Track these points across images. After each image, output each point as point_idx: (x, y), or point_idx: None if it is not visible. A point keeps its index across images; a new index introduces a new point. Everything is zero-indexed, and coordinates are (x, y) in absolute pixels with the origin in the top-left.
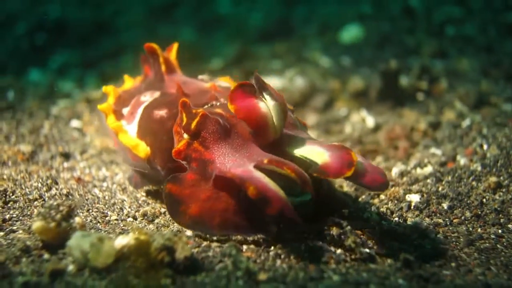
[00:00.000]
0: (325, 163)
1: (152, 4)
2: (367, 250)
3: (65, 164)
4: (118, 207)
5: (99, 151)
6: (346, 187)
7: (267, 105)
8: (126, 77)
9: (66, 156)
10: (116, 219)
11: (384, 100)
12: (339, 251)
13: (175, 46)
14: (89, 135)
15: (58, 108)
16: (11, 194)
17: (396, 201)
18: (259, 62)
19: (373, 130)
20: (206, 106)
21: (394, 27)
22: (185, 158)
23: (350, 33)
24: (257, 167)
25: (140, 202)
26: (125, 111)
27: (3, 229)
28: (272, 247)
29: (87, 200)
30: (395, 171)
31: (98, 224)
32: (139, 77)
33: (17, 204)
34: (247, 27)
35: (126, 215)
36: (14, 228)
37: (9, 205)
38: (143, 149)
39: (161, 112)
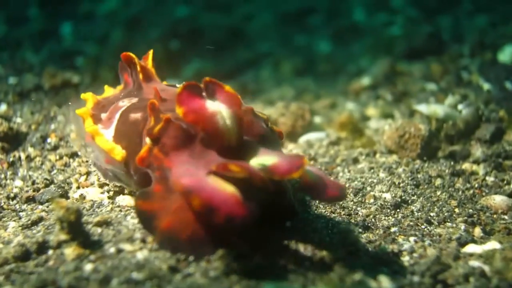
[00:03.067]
0: (274, 164)
1: (283, 11)
2: None
3: None
4: None
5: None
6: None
7: (217, 106)
8: (106, 86)
9: None
10: None
11: None
12: None
13: (150, 53)
14: None
15: None
16: None
17: None
18: (411, 82)
19: None
20: None
21: None
22: (148, 166)
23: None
24: (212, 173)
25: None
26: (103, 116)
27: None
28: None
29: None
30: None
31: None
32: (119, 87)
33: None
34: (387, 40)
35: None
36: None
37: None
38: (118, 152)
39: (136, 115)
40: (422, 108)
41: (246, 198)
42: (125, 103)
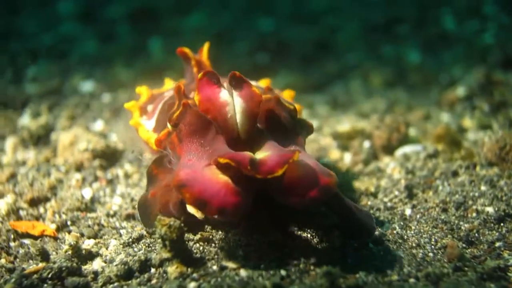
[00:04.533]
0: (261, 160)
1: (371, 21)
2: None
3: None
4: (397, 266)
5: (358, 194)
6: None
7: (230, 98)
8: (166, 79)
9: None
10: None
11: None
12: None
13: (205, 47)
14: (344, 176)
15: None
16: None
17: None
18: (509, 92)
19: None
20: None
21: None
22: (165, 149)
23: None
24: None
25: (418, 259)
26: (150, 108)
27: None
28: None
29: (362, 255)
30: None
31: None
32: (182, 80)
33: None
34: (479, 49)
35: (407, 275)
36: None
37: None
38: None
39: (171, 102)
40: None
41: (240, 186)
42: (169, 94)
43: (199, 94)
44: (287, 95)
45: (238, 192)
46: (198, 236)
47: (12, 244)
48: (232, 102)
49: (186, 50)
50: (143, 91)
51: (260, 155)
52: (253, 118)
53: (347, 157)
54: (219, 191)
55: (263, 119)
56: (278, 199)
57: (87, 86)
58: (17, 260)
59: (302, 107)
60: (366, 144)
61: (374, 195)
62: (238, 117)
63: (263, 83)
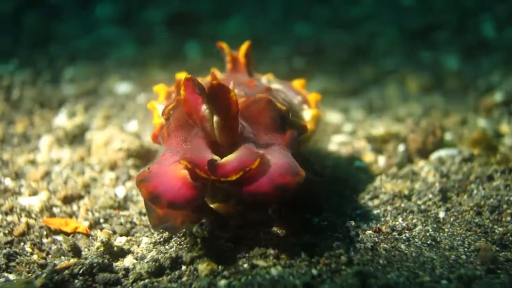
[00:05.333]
0: (222, 163)
1: (408, 27)
2: None
3: (358, 212)
4: (429, 267)
5: (391, 196)
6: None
7: (209, 113)
8: (213, 69)
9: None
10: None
11: None
12: None
13: (244, 45)
14: (377, 178)
15: (338, 142)
16: None
17: None
18: None
19: None
20: None
21: None
22: (160, 143)
23: None
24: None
25: (451, 261)
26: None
27: None
28: None
29: (393, 256)
30: None
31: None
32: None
33: None
34: None
35: (439, 276)
36: None
37: None
38: None
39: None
40: None
41: (198, 180)
42: None
43: (185, 94)
44: (312, 97)
45: (193, 186)
46: (229, 234)
47: (44, 240)
48: (211, 118)
49: (224, 45)
50: (160, 89)
51: (228, 157)
52: (230, 132)
53: (381, 160)
54: (174, 185)
55: (249, 119)
56: (231, 189)
57: (123, 87)
58: (49, 256)
59: (319, 114)
60: (401, 147)
61: (408, 197)
62: (216, 132)
63: (298, 83)
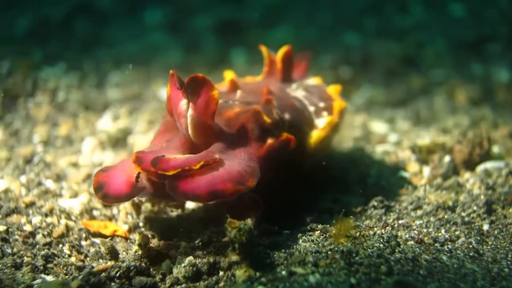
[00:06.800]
0: (168, 158)
1: (458, 38)
2: None
3: (400, 221)
4: (470, 279)
5: (435, 207)
6: None
7: (185, 110)
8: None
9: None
10: None
11: None
12: None
13: (283, 49)
14: (421, 189)
15: (382, 151)
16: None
17: None
18: None
19: None
20: (221, 101)
21: None
22: None
23: None
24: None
25: (493, 274)
26: None
27: None
28: None
29: (434, 267)
30: None
31: None
32: None
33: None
34: None
35: None
36: None
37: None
38: None
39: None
40: None
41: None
42: (223, 89)
43: (169, 90)
44: (332, 90)
45: (131, 185)
46: (268, 241)
47: (83, 243)
48: (186, 115)
49: (263, 48)
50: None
51: (180, 155)
52: (203, 129)
53: (426, 171)
54: (118, 181)
55: (234, 126)
56: (167, 184)
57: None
58: (87, 258)
59: (335, 121)
60: (447, 158)
61: (452, 209)
62: (190, 127)
63: (333, 89)
